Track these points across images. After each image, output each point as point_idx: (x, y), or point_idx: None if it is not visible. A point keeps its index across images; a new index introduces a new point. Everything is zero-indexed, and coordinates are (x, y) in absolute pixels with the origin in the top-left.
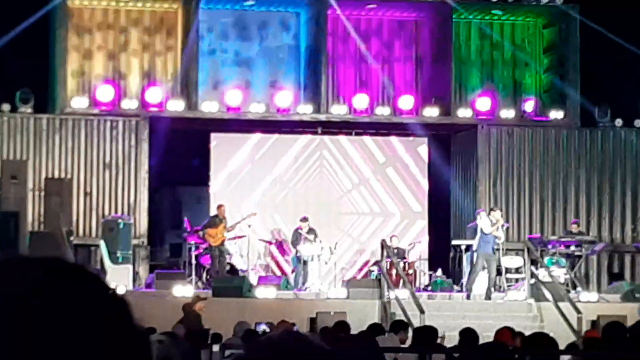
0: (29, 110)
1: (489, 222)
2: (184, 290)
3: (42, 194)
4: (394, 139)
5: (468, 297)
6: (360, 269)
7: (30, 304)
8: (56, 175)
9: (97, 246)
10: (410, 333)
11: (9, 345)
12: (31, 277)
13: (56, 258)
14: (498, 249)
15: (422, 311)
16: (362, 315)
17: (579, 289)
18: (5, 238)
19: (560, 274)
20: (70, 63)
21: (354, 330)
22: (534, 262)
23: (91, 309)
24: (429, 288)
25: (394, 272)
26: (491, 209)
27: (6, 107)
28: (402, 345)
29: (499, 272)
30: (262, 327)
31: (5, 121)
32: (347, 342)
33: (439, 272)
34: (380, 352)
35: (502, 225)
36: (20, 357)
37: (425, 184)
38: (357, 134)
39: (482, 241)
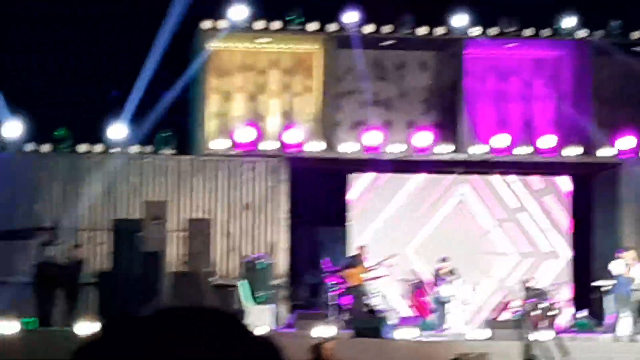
0: (171, 151)
1: (623, 263)
2: (324, 330)
3: (183, 234)
4: (534, 179)
5: (614, 339)
6: (501, 310)
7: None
8: (196, 215)
9: (236, 286)
10: None
11: None
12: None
13: (209, 309)
14: (637, 290)
15: (565, 353)
16: (504, 357)
17: None
18: (147, 278)
19: None
20: (211, 105)
21: None
22: None
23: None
24: (572, 329)
25: (535, 313)
26: (624, 249)
27: (148, 148)
28: None
29: None
30: None
31: (148, 162)
32: None
33: (583, 313)
34: None
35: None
36: None
37: (567, 224)
38: (497, 173)
39: (618, 283)
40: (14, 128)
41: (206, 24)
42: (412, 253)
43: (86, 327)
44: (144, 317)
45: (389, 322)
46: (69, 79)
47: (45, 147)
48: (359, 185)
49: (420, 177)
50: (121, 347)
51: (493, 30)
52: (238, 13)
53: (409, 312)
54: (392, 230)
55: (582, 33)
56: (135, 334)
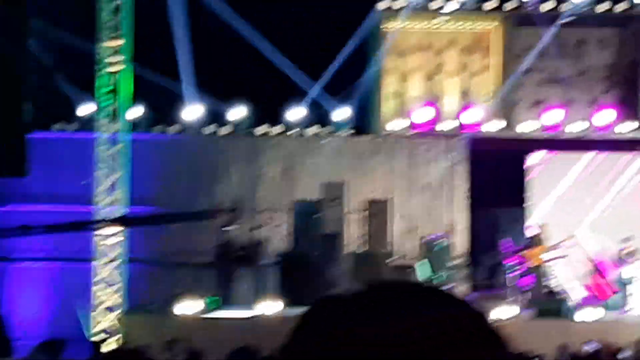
0: (348, 132)
1: None
2: (505, 311)
3: (361, 215)
4: None
5: None
6: None
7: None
8: (374, 196)
9: (414, 267)
10: None
11: None
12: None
13: (414, 282)
14: None
15: None
16: None
17: None
18: (326, 259)
19: None
20: (388, 85)
21: None
22: None
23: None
24: None
25: None
26: None
27: (326, 129)
28: None
29: None
30: (591, 346)
31: (325, 143)
32: None
33: None
34: None
35: None
36: None
37: None
38: None
39: None
40: (194, 111)
41: (383, 4)
42: (593, 233)
43: (267, 308)
44: (353, 295)
45: (570, 303)
46: (250, 61)
47: (225, 130)
48: (537, 165)
49: (602, 156)
50: (339, 327)
51: None
52: None
53: (588, 293)
54: (568, 209)
55: None
56: (350, 312)
